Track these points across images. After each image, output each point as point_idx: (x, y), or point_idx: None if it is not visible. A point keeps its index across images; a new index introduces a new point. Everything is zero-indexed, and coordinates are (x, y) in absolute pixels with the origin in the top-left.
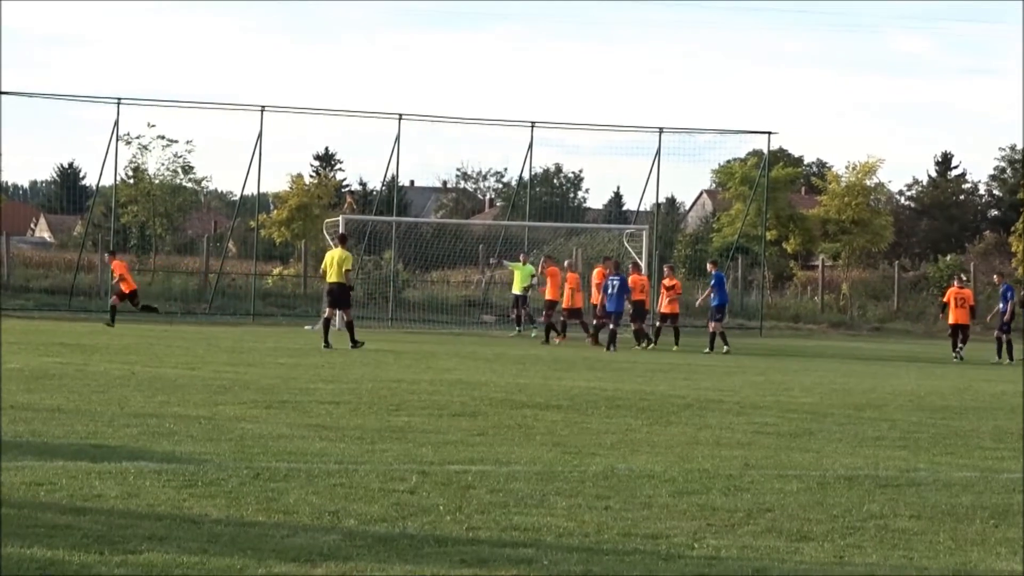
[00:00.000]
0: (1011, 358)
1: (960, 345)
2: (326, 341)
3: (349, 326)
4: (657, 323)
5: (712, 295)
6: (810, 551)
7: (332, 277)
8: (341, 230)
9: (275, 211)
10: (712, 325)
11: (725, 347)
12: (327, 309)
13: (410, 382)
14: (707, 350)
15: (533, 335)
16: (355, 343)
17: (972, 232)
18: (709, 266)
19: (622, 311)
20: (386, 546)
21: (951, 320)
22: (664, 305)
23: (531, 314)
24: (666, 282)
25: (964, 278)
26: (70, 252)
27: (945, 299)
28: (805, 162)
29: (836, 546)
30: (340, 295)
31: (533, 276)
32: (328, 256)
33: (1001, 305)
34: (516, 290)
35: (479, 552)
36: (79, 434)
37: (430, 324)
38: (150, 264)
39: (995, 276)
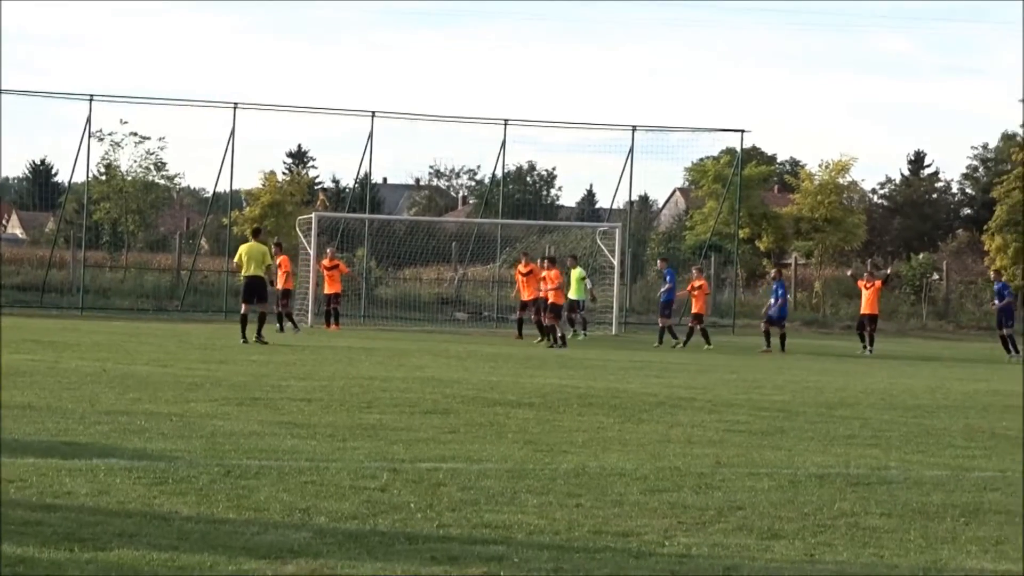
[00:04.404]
0: (1017, 352)
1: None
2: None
3: (261, 319)
4: (689, 324)
5: (663, 291)
6: (781, 549)
7: (250, 271)
8: (314, 228)
9: (248, 208)
10: (661, 320)
11: (674, 341)
12: (244, 305)
13: (382, 379)
14: (657, 344)
15: (580, 338)
16: (260, 338)
17: (945, 230)
18: (660, 263)
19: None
20: (357, 543)
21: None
22: (695, 306)
23: (584, 318)
24: (695, 283)
25: (878, 266)
26: (42, 249)
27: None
28: (778, 160)
29: (807, 544)
30: (258, 289)
31: (585, 279)
32: (243, 249)
33: (997, 302)
34: (573, 295)
35: (449, 549)
36: (50, 431)
37: (403, 321)
38: (122, 261)
39: (992, 273)
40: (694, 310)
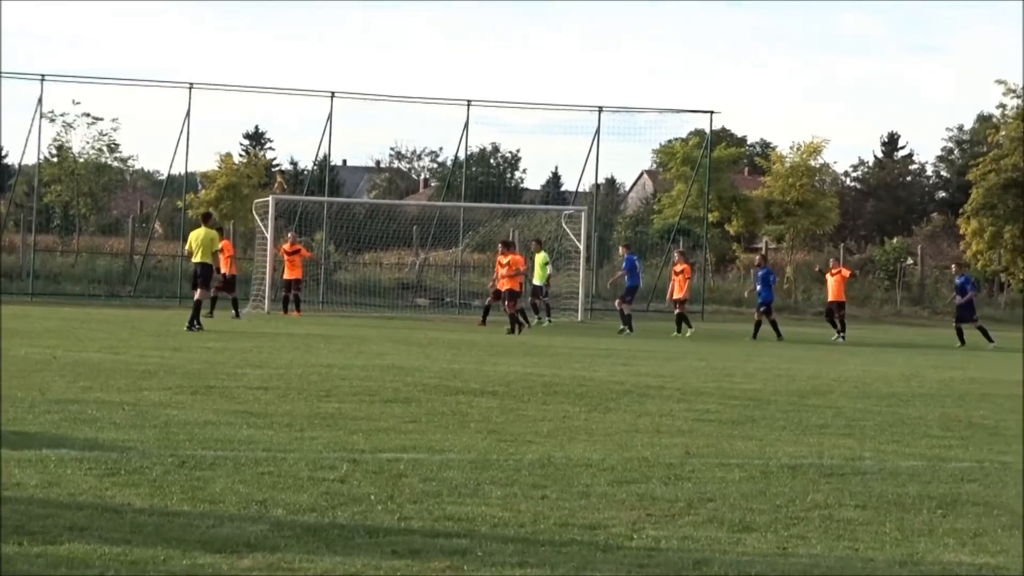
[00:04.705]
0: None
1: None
2: (192, 322)
3: (197, 305)
4: (676, 310)
5: (625, 277)
6: (752, 542)
7: (198, 257)
8: (271, 211)
9: (203, 191)
10: (619, 303)
11: (624, 327)
12: (195, 291)
13: (341, 367)
14: (628, 330)
15: (544, 325)
16: (193, 324)
17: (919, 214)
18: (621, 249)
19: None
20: (315, 536)
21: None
22: (677, 291)
23: (548, 304)
24: (676, 267)
25: (851, 250)
26: None
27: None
28: (748, 142)
29: (779, 537)
30: (205, 275)
31: (548, 264)
32: (192, 236)
33: (959, 298)
34: (536, 280)
35: (411, 543)
36: None
37: (362, 307)
38: (74, 245)
39: (953, 266)
40: (677, 295)
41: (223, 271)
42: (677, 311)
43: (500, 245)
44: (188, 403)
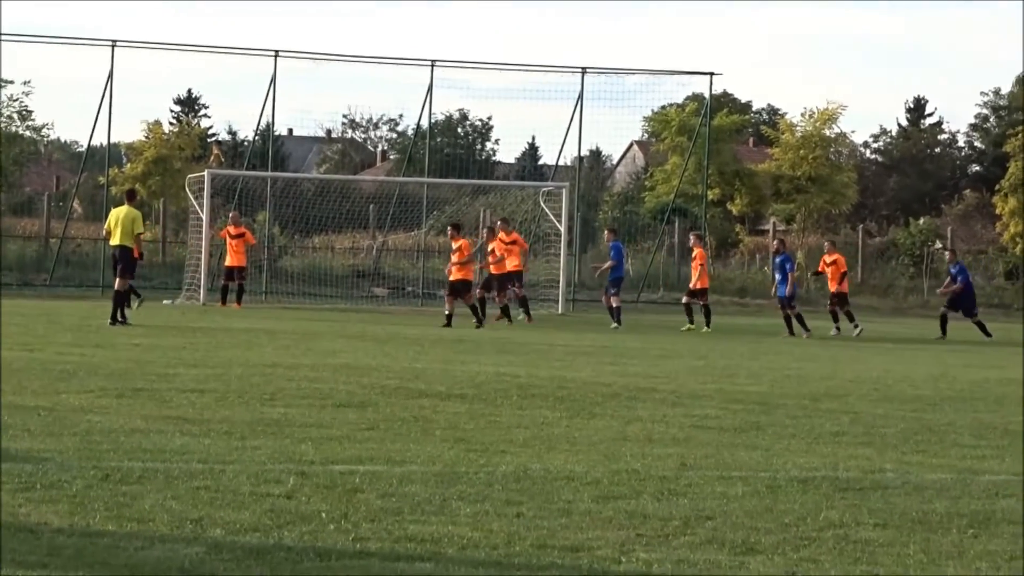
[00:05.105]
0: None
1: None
2: (115, 316)
3: (118, 297)
4: (698, 301)
5: (607, 267)
6: (757, 565)
7: (117, 239)
8: (207, 188)
9: (128, 165)
10: (605, 298)
11: (616, 323)
12: (117, 279)
13: (287, 367)
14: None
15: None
16: (116, 319)
17: (950, 191)
18: (607, 234)
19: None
20: (258, 560)
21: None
22: (700, 281)
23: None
24: (698, 255)
25: (700, 235)
26: None
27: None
28: (754, 108)
29: (788, 560)
30: (127, 260)
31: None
32: (113, 214)
33: (957, 284)
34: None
35: (368, 567)
36: None
37: (311, 298)
38: None
39: (947, 253)
40: (701, 285)
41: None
42: (702, 303)
43: (449, 228)
44: (113, 408)
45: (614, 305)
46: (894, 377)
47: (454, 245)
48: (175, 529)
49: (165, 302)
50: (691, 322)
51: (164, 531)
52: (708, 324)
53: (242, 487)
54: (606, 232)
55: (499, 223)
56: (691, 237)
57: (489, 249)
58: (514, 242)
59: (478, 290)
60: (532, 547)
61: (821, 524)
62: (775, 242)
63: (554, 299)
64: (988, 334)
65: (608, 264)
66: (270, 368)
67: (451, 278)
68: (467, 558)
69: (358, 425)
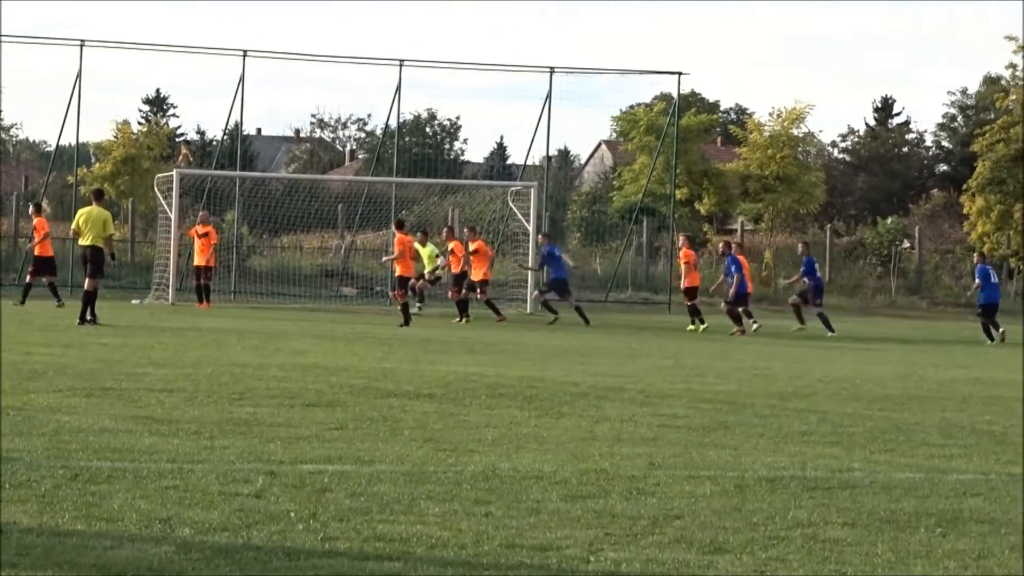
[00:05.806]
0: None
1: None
2: (83, 316)
3: (88, 297)
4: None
5: (549, 269)
6: (726, 565)
7: (87, 239)
8: (175, 187)
9: (97, 164)
10: (536, 294)
11: (552, 315)
12: (87, 279)
13: (256, 366)
14: (585, 324)
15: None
16: (86, 319)
17: (917, 191)
18: (540, 239)
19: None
20: (227, 559)
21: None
22: (685, 280)
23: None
24: (682, 255)
25: (689, 236)
26: None
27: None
28: (722, 108)
29: (756, 559)
30: (96, 260)
31: (439, 256)
32: (81, 214)
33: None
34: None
35: (337, 566)
36: None
37: (280, 298)
38: None
39: (800, 245)
40: (685, 284)
41: (37, 252)
42: (689, 302)
43: (466, 230)
44: (81, 407)
45: (546, 301)
46: (862, 376)
47: (472, 246)
48: (144, 529)
49: (134, 302)
50: (702, 322)
51: (133, 531)
52: (697, 322)
53: (211, 487)
54: (540, 237)
55: (466, 231)
56: (680, 238)
57: (450, 248)
58: (476, 251)
59: (464, 291)
60: (501, 546)
61: (789, 523)
62: (721, 244)
63: (523, 299)
64: (831, 330)
65: (542, 262)
66: (239, 368)
67: (474, 277)
68: (436, 557)
69: (327, 425)
